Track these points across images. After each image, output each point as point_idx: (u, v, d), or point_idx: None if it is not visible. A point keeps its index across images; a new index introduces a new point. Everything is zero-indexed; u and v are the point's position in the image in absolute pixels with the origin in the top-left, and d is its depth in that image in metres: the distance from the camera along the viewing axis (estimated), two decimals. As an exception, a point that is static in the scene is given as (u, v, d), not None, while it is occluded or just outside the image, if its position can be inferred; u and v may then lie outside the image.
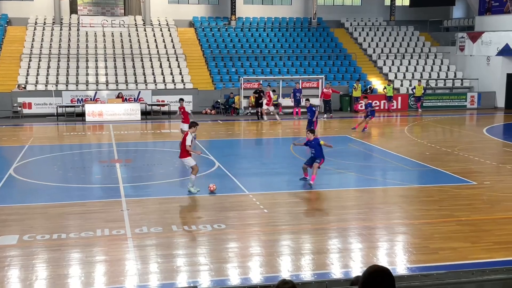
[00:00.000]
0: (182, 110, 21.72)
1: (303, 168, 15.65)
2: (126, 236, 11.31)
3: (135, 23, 37.12)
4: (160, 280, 9.29)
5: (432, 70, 36.02)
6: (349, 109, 32.37)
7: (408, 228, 12.03)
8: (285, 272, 9.57)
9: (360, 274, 7.31)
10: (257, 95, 29.35)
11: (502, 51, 32.29)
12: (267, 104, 28.83)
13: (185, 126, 19.14)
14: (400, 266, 9.87)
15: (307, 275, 9.51)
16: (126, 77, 32.59)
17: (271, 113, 28.90)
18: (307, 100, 21.79)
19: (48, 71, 32.38)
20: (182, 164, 15.64)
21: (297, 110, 29.89)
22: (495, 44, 32.76)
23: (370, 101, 25.76)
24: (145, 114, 29.66)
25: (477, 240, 11.12)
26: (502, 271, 7.14)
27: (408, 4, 40.05)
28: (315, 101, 31.15)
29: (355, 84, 32.28)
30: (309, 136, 15.54)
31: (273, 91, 31.54)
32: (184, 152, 14.59)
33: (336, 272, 9.64)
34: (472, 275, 6.77)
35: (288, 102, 30.91)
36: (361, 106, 27.59)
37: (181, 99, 23.50)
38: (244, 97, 31.12)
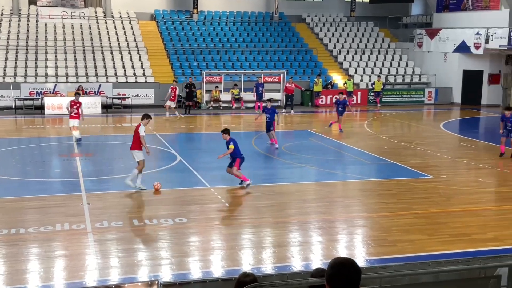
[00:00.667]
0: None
1: (228, 171, 14.98)
2: (86, 231, 11.23)
3: (96, 15, 36.60)
4: (120, 274, 9.27)
5: (391, 65, 36.58)
6: (310, 103, 32.64)
7: (367, 221, 12.27)
8: (246, 265, 9.67)
9: (320, 266, 7.45)
10: (187, 90, 29.02)
11: (458, 48, 33.03)
12: (171, 100, 27.70)
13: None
14: (359, 258, 10.06)
15: (268, 268, 9.62)
16: (86, 70, 32.15)
17: (173, 108, 27.94)
18: (269, 100, 21.16)
19: (6, 63, 31.67)
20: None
21: (259, 104, 30.01)
22: (452, 41, 33.48)
23: (346, 99, 25.13)
24: (106, 107, 29.32)
25: (434, 233, 11.41)
26: (458, 262, 7.38)
27: (368, 1, 40.55)
28: (277, 96, 31.35)
29: (316, 79, 32.55)
30: (224, 136, 14.83)
31: (235, 85, 31.59)
32: (136, 144, 14.29)
33: (296, 264, 9.78)
34: (429, 267, 6.98)
35: (250, 96, 30.99)
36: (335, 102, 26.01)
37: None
38: (206, 91, 31.08)
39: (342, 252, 10.39)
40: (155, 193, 14.14)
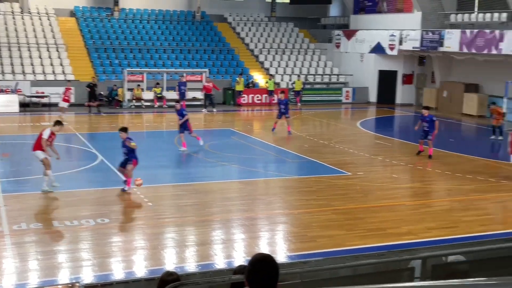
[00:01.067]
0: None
1: (119, 170, 14.59)
2: (3, 233, 10.91)
3: (12, 11, 35.21)
4: (40, 277, 9.10)
5: (310, 65, 37.35)
6: (232, 102, 32.85)
7: (288, 218, 12.58)
8: (170, 265, 9.72)
9: (243, 263, 7.61)
10: (89, 89, 28.41)
11: (374, 49, 34.21)
12: (65, 101, 26.36)
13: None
14: (280, 254, 10.33)
15: (191, 266, 9.71)
16: (2, 67, 30.90)
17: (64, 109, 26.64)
18: (177, 102, 20.38)
19: None
20: (63, 158, 15.19)
21: (181, 103, 29.83)
22: (368, 42, 34.63)
23: (286, 98, 24.19)
24: (23, 106, 28.33)
25: (352, 228, 11.85)
26: (374, 256, 7.74)
27: (288, 1, 41.23)
28: (198, 94, 31.33)
29: (237, 78, 32.79)
30: (121, 135, 14.46)
31: (157, 84, 31.32)
32: (37, 145, 13.89)
33: (219, 262, 9.92)
34: (347, 261, 7.30)
35: (173, 95, 30.81)
36: (274, 100, 24.90)
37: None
38: (128, 89, 30.64)
39: (264, 248, 10.62)
40: (137, 187, 13.83)
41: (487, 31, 27.18)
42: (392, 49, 32.91)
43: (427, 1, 31.81)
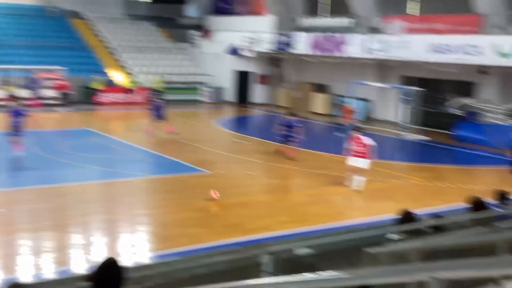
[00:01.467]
0: None
1: None
2: None
3: None
4: None
5: (170, 65, 37.46)
6: (89, 101, 32.07)
7: (148, 218, 12.74)
8: (24, 273, 9.46)
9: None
10: None
11: (231, 50, 35.11)
12: None
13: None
14: (141, 255, 10.46)
15: (47, 273, 9.54)
16: None
17: None
18: (13, 97, 18.69)
19: None
20: None
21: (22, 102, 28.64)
22: (224, 43, 35.45)
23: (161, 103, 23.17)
24: None
25: (210, 225, 12.23)
26: (229, 253, 8.11)
27: (146, 0, 40.98)
28: (51, 93, 30.25)
29: (95, 77, 32.10)
30: None
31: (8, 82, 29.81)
32: None
33: (77, 267, 9.79)
34: (203, 259, 7.57)
35: (26, 93, 29.43)
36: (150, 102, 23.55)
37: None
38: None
39: (124, 250, 10.69)
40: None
41: (333, 34, 29.02)
42: (247, 50, 34.00)
43: (278, 5, 33.25)
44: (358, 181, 15.38)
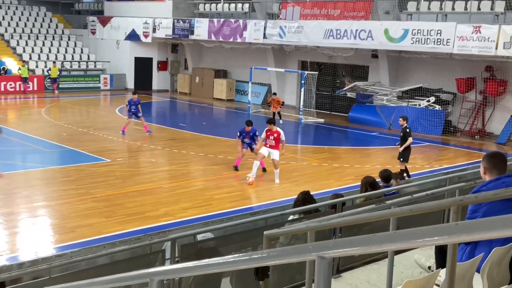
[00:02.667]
0: None
1: None
2: None
3: None
4: None
5: (66, 52, 36.26)
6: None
7: (46, 210, 12.46)
8: None
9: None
10: None
11: (129, 36, 34.51)
12: None
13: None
14: (39, 248, 10.26)
15: None
16: None
17: None
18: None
19: None
20: None
21: None
22: (123, 29, 34.79)
23: (139, 99, 21.94)
24: None
25: (111, 215, 12.16)
26: (130, 241, 8.14)
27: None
28: None
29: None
30: None
31: None
32: None
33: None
34: (104, 248, 7.56)
35: None
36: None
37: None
38: None
39: (21, 245, 10.46)
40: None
41: (232, 20, 29.28)
42: (146, 36, 33.58)
43: (177, -10, 33.01)
44: (253, 172, 15.38)
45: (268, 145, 15.51)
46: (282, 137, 15.48)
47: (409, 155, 15.45)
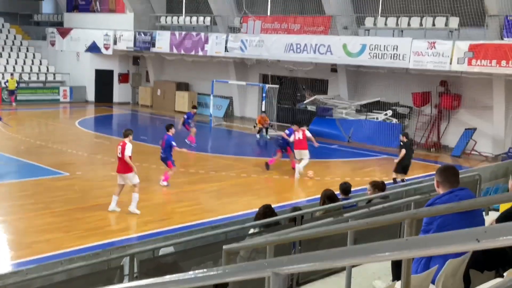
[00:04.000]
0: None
1: None
2: None
3: None
4: None
5: (24, 63, 35.68)
6: None
7: (2, 225, 12.21)
8: None
9: None
10: None
11: (90, 48, 34.15)
12: None
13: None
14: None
15: None
16: None
17: None
18: None
19: None
20: None
21: None
22: (83, 40, 34.39)
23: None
24: None
25: (70, 229, 11.94)
26: (89, 257, 7.98)
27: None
28: None
29: None
30: None
31: None
32: None
33: None
34: (61, 264, 7.40)
35: None
36: None
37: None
38: None
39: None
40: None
41: (194, 33, 29.33)
42: (107, 48, 33.30)
43: (138, 2, 32.87)
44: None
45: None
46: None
47: (407, 167, 16.30)
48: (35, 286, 6.15)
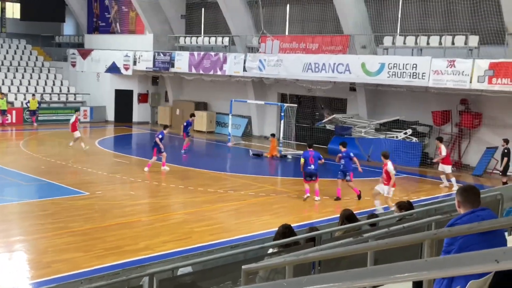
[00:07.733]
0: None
1: None
2: None
3: None
4: None
5: (46, 84, 36.21)
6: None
7: (22, 245, 12.28)
8: None
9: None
10: None
11: (110, 69, 34.59)
12: None
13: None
14: (16, 284, 10.09)
15: None
16: None
17: None
18: None
19: None
20: None
21: None
22: (103, 61, 34.87)
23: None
24: None
25: (90, 249, 11.97)
26: (108, 276, 8.00)
27: (19, 17, 39.33)
28: None
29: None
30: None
31: None
32: None
33: None
34: (81, 284, 7.42)
35: None
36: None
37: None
38: None
39: (-3, 279, 10.28)
40: None
41: (212, 53, 29.55)
42: (126, 69, 33.68)
43: (158, 24, 33.29)
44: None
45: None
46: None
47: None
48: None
